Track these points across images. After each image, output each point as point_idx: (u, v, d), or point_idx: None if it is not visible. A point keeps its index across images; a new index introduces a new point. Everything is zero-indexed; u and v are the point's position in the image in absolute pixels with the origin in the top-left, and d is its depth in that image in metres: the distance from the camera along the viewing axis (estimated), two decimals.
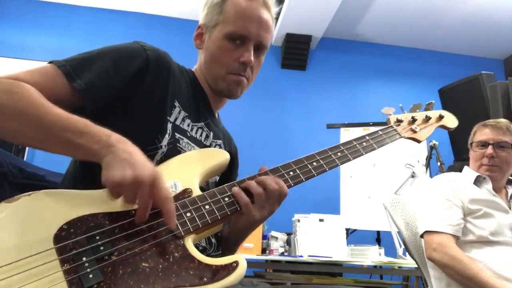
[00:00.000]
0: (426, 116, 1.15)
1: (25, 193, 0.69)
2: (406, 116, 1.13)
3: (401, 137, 1.08)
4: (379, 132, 1.05)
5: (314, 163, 0.92)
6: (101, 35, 4.21)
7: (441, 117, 1.18)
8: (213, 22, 0.99)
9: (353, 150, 0.98)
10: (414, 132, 1.11)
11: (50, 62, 0.83)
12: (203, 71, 1.04)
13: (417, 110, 1.17)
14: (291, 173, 0.89)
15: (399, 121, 1.11)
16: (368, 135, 1.03)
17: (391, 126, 1.09)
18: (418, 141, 1.12)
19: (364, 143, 1.00)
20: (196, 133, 0.98)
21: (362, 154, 0.99)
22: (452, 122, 1.19)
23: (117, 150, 0.70)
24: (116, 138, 0.73)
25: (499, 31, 4.54)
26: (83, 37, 4.20)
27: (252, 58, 0.97)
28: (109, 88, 0.84)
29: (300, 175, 0.89)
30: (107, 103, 0.85)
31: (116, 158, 0.69)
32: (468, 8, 4.22)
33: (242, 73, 0.98)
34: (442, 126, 1.19)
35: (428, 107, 1.19)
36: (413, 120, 1.12)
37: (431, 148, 3.07)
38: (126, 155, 0.70)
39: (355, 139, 1.00)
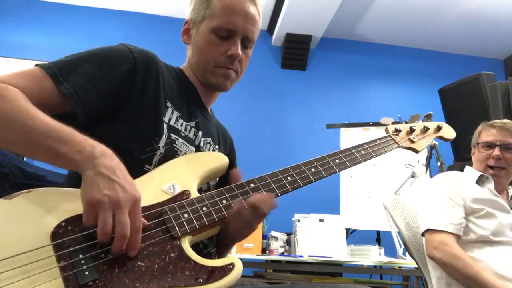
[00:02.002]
0: (424, 127, 1.16)
1: (24, 190, 0.69)
2: (404, 126, 1.14)
3: (399, 146, 1.10)
4: (377, 141, 1.07)
5: (312, 169, 0.93)
6: (101, 35, 4.21)
7: (439, 128, 1.19)
8: (200, 17, 1.00)
9: (351, 157, 0.99)
10: (412, 142, 1.12)
11: (36, 65, 0.81)
12: (192, 66, 1.04)
13: (416, 121, 1.19)
14: (289, 178, 0.90)
15: (397, 131, 1.12)
16: (367, 143, 1.04)
17: (390, 136, 1.11)
18: (416, 151, 1.13)
19: (362, 151, 1.02)
20: (189, 132, 0.98)
21: (360, 162, 1.01)
22: (450, 133, 1.20)
23: (99, 165, 0.68)
24: (100, 150, 0.71)
25: (499, 31, 4.54)
26: (83, 37, 4.20)
27: (239, 51, 0.98)
28: (97, 91, 0.83)
29: (298, 180, 0.90)
30: (98, 108, 0.83)
31: (97, 174, 0.67)
32: (468, 8, 4.22)
33: (229, 66, 0.99)
34: (440, 137, 1.20)
35: (427, 118, 1.20)
36: (411, 130, 1.13)
37: (431, 148, 3.08)
38: (108, 172, 0.68)
39: (354, 147, 1.02)
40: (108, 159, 0.71)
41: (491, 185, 1.70)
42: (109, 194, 0.66)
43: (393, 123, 1.15)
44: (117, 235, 0.66)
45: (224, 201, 0.81)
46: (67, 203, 0.70)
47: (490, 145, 1.73)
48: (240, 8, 0.98)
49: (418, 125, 1.16)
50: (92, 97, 0.82)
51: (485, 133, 1.77)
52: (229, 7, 0.97)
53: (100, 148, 0.71)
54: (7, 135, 0.71)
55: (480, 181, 1.72)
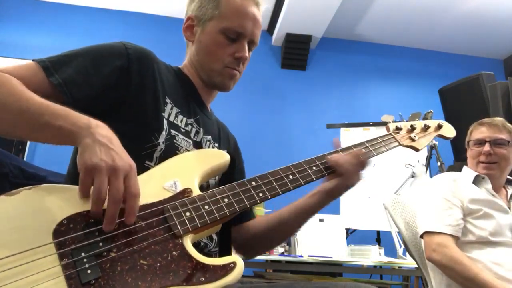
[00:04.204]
0: (425, 125, 1.16)
1: (26, 187, 0.69)
2: (405, 125, 1.14)
3: (400, 145, 1.09)
4: (378, 139, 1.06)
5: (314, 167, 0.93)
6: (101, 35, 4.21)
7: (439, 127, 1.19)
8: (208, 16, 1.00)
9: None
10: (413, 140, 1.12)
11: (32, 60, 0.83)
12: (194, 64, 1.04)
13: (416, 119, 1.18)
14: (291, 176, 0.89)
15: (398, 129, 1.12)
16: (367, 141, 1.04)
17: (390, 134, 1.10)
18: (417, 150, 1.13)
19: (363, 149, 1.01)
20: (189, 128, 0.98)
21: None
22: (450, 132, 1.20)
23: (96, 133, 0.70)
24: (95, 122, 0.72)
25: (499, 31, 4.55)
26: (83, 37, 4.20)
27: (247, 54, 1.01)
28: (88, 85, 0.84)
29: (299, 178, 0.90)
30: (91, 102, 0.84)
31: (95, 142, 0.68)
32: (468, 8, 4.23)
33: (236, 67, 1.01)
34: (440, 136, 1.20)
35: (427, 116, 1.20)
36: (412, 128, 1.13)
37: (431, 148, 3.08)
38: (105, 140, 0.69)
39: (355, 145, 1.01)
40: (105, 129, 0.72)
41: (488, 186, 1.71)
42: (106, 160, 0.66)
43: (394, 121, 1.15)
44: (109, 199, 0.66)
45: (226, 199, 0.81)
46: (69, 200, 0.70)
47: (480, 142, 1.75)
48: (250, 12, 1.00)
49: (419, 123, 1.16)
50: (83, 90, 0.83)
51: (476, 132, 1.79)
52: (240, 11, 0.99)
53: (94, 121, 0.73)
54: (4, 117, 0.73)
55: (476, 181, 1.72)
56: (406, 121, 1.17)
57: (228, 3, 0.99)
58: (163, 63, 1.01)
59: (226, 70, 1.00)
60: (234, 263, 0.70)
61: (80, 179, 0.67)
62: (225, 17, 0.99)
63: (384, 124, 1.15)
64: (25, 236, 0.64)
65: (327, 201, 1.01)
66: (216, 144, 1.08)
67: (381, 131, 1.16)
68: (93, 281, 0.63)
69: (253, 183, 0.86)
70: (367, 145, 1.03)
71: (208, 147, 1.04)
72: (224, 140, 1.12)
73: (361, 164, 0.96)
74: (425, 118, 1.20)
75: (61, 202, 0.69)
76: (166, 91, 0.95)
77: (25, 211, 0.67)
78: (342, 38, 4.82)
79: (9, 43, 4.08)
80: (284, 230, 1.06)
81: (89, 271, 0.64)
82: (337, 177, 0.96)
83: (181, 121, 0.96)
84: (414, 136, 1.12)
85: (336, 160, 0.94)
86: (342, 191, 0.98)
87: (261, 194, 0.85)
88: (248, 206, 0.83)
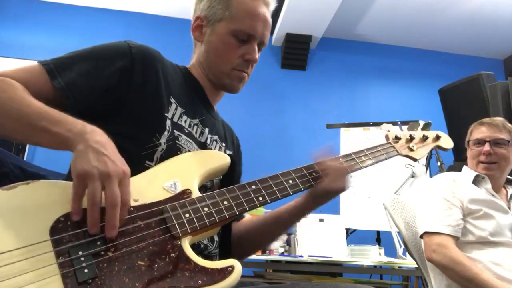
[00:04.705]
0: (424, 136, 1.17)
1: (23, 182, 0.68)
2: (404, 134, 1.15)
3: (399, 154, 1.10)
4: (378, 147, 1.07)
5: (313, 173, 0.93)
6: (101, 35, 4.21)
7: (437, 138, 1.20)
8: (218, 17, 0.99)
9: (351, 163, 0.99)
10: (411, 150, 1.13)
11: (38, 62, 0.84)
12: (202, 65, 1.04)
13: (415, 129, 1.19)
14: (290, 181, 0.89)
15: (397, 138, 1.13)
16: (367, 149, 1.05)
17: (390, 143, 1.11)
18: (415, 160, 1.14)
19: (363, 157, 1.02)
20: (193, 129, 0.98)
21: (360, 168, 1.01)
22: (448, 143, 1.21)
23: (90, 139, 0.69)
24: (91, 127, 0.72)
25: (499, 31, 4.55)
26: (83, 37, 4.20)
27: (257, 56, 1.00)
28: (90, 87, 0.84)
29: (299, 184, 0.90)
30: (93, 103, 0.84)
31: (88, 148, 0.68)
32: (468, 8, 4.22)
33: (245, 69, 1.01)
34: (438, 147, 1.21)
35: (426, 127, 1.21)
36: (411, 138, 1.14)
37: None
38: (99, 146, 0.69)
39: (354, 153, 1.02)
40: (99, 135, 0.72)
41: (488, 186, 1.70)
42: (98, 166, 0.66)
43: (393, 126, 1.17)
44: (108, 205, 0.66)
45: (225, 202, 0.80)
46: (67, 197, 0.68)
47: (480, 142, 1.75)
48: (261, 13, 0.99)
49: (418, 134, 1.17)
50: (85, 92, 0.83)
51: (476, 131, 1.79)
52: (251, 12, 0.98)
53: (90, 126, 0.73)
54: (4, 123, 0.74)
55: (476, 181, 1.72)
56: (405, 130, 1.18)
57: (238, 3, 0.98)
58: (170, 62, 1.00)
59: (234, 72, 1.00)
60: (232, 267, 0.70)
61: (73, 185, 0.66)
62: (235, 18, 0.97)
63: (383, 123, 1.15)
64: (21, 232, 0.63)
65: (313, 204, 0.98)
66: (224, 144, 1.07)
67: (381, 131, 1.16)
68: (90, 281, 0.62)
69: (253, 187, 0.85)
70: (367, 153, 1.03)
71: (215, 147, 1.03)
72: (229, 141, 1.11)
73: (341, 170, 0.93)
74: (423, 129, 1.21)
75: (59, 199, 0.68)
76: (171, 91, 0.94)
77: (22, 207, 0.66)
78: (342, 38, 4.81)
79: (9, 43, 4.07)
80: (275, 229, 1.05)
81: (86, 270, 0.63)
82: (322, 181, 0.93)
83: (185, 121, 0.95)
84: (413, 146, 1.13)
85: (320, 163, 0.93)
86: (322, 194, 0.94)
87: (260, 198, 0.84)
88: (248, 209, 0.82)
